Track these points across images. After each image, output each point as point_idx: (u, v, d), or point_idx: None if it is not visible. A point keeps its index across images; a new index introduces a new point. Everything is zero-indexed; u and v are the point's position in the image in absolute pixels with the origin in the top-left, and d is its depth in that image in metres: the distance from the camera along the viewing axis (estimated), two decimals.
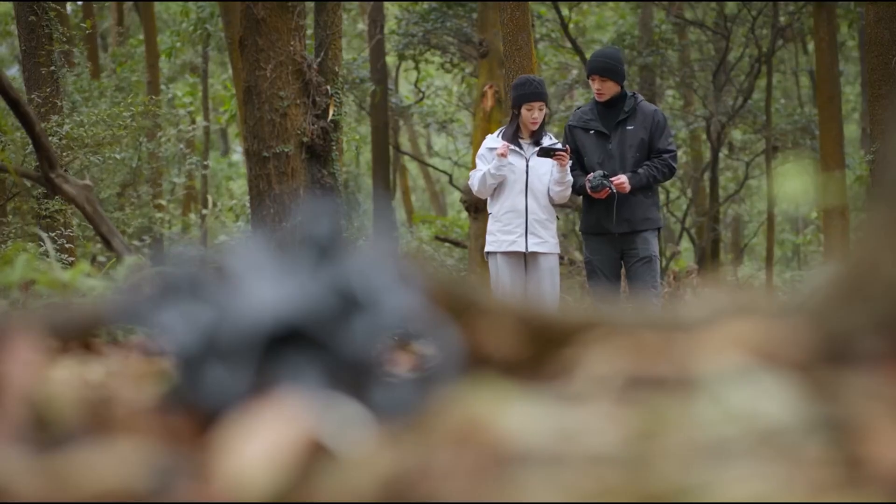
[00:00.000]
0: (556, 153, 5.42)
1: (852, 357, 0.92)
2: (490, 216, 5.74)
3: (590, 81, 5.73)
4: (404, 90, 17.94)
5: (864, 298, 0.98)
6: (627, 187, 5.47)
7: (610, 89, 5.62)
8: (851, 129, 18.36)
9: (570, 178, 5.53)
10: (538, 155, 5.50)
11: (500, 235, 5.64)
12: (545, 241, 5.64)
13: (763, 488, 0.67)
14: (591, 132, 5.66)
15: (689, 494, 0.69)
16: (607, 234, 5.59)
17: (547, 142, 5.67)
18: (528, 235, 5.61)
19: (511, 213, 5.64)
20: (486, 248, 5.74)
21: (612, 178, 5.46)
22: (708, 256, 13.09)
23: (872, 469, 0.70)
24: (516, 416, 0.91)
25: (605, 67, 5.66)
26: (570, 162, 5.51)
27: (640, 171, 5.56)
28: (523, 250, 5.60)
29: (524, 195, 5.64)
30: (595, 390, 0.99)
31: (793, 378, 0.91)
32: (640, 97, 5.77)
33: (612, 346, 1.06)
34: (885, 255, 0.97)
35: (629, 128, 5.60)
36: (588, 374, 1.04)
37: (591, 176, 5.49)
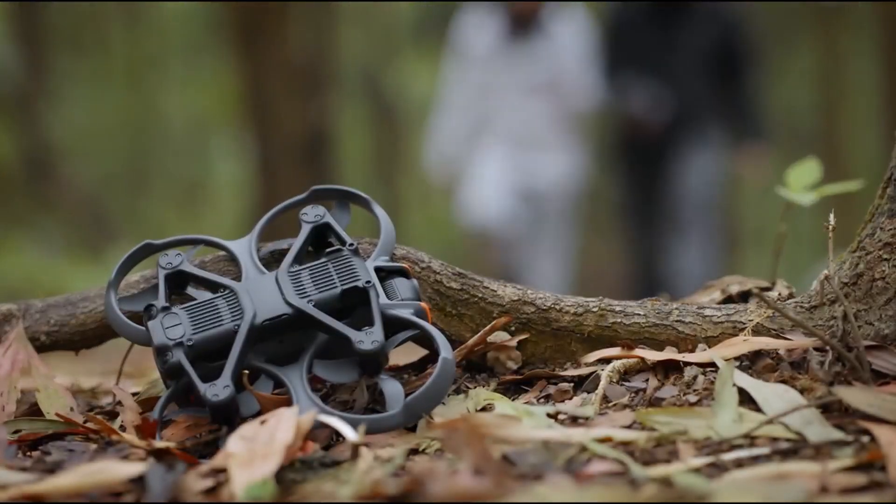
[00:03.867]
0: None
1: (861, 367, 0.91)
2: (467, 173, 4.56)
3: None
4: (405, 90, 17.94)
5: (868, 306, 0.97)
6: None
7: None
8: (855, 129, 18.35)
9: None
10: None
11: (487, 197, 4.36)
12: (550, 171, 4.39)
13: (769, 496, 0.66)
14: (641, 31, 4.32)
15: (693, 499, 0.68)
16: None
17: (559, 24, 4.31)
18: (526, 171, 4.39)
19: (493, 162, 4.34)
20: (472, 220, 4.56)
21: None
22: None
23: (879, 477, 0.70)
24: (517, 416, 0.91)
25: None
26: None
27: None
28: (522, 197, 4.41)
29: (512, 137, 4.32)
30: (599, 391, 0.98)
31: (801, 390, 0.90)
32: None
33: (619, 349, 1.06)
34: (888, 264, 0.96)
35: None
36: (592, 374, 1.03)
37: (644, 103, 4.20)
